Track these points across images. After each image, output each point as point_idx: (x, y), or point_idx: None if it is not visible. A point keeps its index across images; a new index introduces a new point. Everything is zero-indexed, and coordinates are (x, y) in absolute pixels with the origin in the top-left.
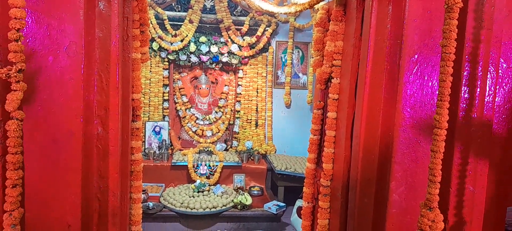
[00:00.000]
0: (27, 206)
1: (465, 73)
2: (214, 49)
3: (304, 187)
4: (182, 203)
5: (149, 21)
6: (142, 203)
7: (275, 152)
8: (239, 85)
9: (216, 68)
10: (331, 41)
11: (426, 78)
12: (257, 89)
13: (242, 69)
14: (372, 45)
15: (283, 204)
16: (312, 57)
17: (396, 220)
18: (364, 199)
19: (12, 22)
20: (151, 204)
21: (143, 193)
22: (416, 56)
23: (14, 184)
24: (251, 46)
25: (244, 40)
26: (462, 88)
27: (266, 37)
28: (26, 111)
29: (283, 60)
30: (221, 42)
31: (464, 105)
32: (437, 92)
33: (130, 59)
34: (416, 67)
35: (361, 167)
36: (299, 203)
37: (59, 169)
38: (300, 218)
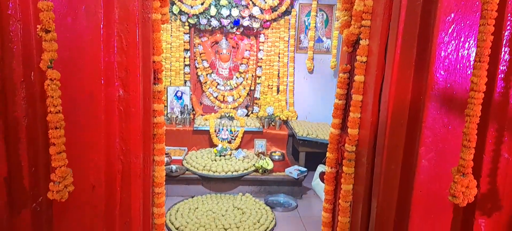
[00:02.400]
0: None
1: (506, 34)
2: (235, 12)
3: (327, 152)
4: (204, 166)
5: None
6: (165, 166)
7: (296, 118)
8: (260, 50)
9: (237, 33)
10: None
11: (462, 39)
12: (279, 54)
13: (263, 33)
14: (404, 3)
15: (305, 169)
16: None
17: (424, 187)
18: (391, 165)
19: None
20: (174, 167)
21: (166, 156)
22: (452, 15)
23: (53, 142)
24: (273, 9)
25: (266, 2)
26: (503, 50)
27: None
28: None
29: (306, 23)
30: (242, 5)
31: (504, 67)
32: (474, 54)
33: (150, 20)
34: (452, 27)
35: (389, 132)
36: (320, 168)
37: (81, 130)
38: (323, 182)
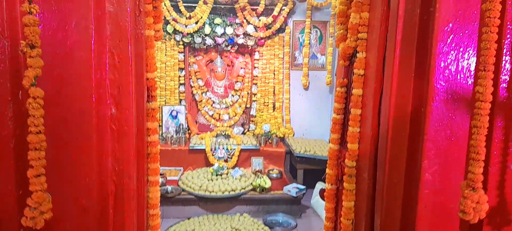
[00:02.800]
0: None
1: (506, 42)
2: (229, 30)
3: (327, 169)
4: (200, 186)
5: (163, 3)
6: (160, 186)
7: (293, 135)
8: (255, 67)
9: (232, 51)
10: (356, 12)
11: (462, 49)
12: (274, 71)
13: (258, 51)
14: (401, 14)
15: (303, 187)
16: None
17: (429, 201)
18: (393, 180)
19: None
20: (169, 187)
21: (161, 177)
22: (450, 25)
23: (31, 165)
24: (267, 26)
25: (260, 20)
26: (503, 58)
27: (283, 17)
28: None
29: (301, 40)
30: (237, 24)
31: (506, 77)
32: (474, 63)
33: (143, 36)
34: (450, 37)
35: (390, 145)
36: (319, 185)
37: (71, 150)
38: (323, 200)
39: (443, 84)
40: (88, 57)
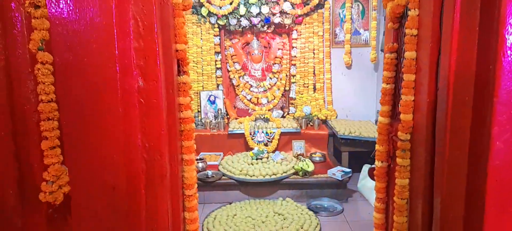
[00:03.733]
0: (67, 165)
1: None
2: (265, 10)
3: (376, 145)
4: (241, 171)
5: None
6: (201, 171)
7: (336, 117)
8: (293, 47)
9: (268, 31)
10: None
11: None
12: (314, 50)
13: (296, 30)
14: None
15: (349, 170)
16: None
17: (501, 175)
18: (455, 151)
19: None
20: (210, 172)
21: (201, 162)
22: None
23: (45, 136)
24: (305, 3)
25: None
26: None
27: None
28: (56, 58)
29: (341, 16)
30: (273, 2)
31: None
32: None
33: (169, 3)
34: None
35: (451, 113)
36: (366, 168)
37: (96, 123)
38: (373, 179)
39: None
40: (109, 23)
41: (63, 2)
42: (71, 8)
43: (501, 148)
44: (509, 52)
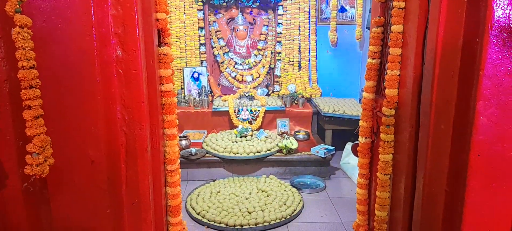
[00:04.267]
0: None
1: None
2: None
3: (360, 121)
4: (225, 148)
5: None
6: (184, 149)
7: (320, 95)
8: (279, 24)
9: (253, 6)
10: None
11: None
12: (299, 27)
13: (282, 5)
14: None
15: (332, 148)
16: None
17: (484, 149)
18: (440, 126)
19: None
20: (193, 150)
21: (185, 139)
22: None
23: (28, 105)
24: None
25: None
26: None
27: None
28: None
29: None
30: None
31: None
32: None
33: None
34: None
35: (437, 86)
36: (349, 146)
37: (74, 94)
38: (356, 156)
39: (505, 8)
40: None
41: None
42: None
43: (485, 123)
44: (496, 24)
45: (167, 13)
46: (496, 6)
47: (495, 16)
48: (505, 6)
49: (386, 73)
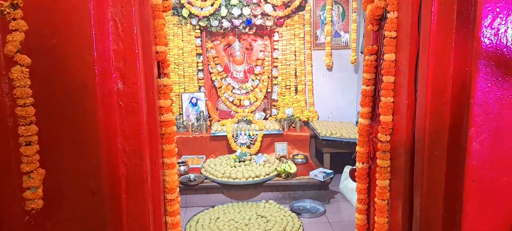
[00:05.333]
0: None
1: None
2: (246, 11)
3: (357, 146)
4: (223, 173)
5: None
6: (183, 175)
7: (317, 119)
8: (275, 49)
9: (250, 33)
10: None
11: None
12: (295, 52)
13: (277, 32)
14: None
15: (330, 171)
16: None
17: (478, 175)
18: (434, 152)
19: None
20: (192, 175)
21: (183, 165)
22: None
23: (28, 141)
24: (286, 5)
25: None
26: None
27: None
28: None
29: (322, 18)
30: (254, 3)
31: None
32: None
33: (148, 3)
34: None
35: (430, 113)
36: (348, 169)
37: (76, 127)
38: (354, 181)
39: (492, 38)
40: (87, 25)
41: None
42: (48, 10)
43: (478, 149)
44: (484, 54)
45: (166, 45)
46: (483, 36)
47: (483, 46)
48: (492, 37)
49: (381, 100)
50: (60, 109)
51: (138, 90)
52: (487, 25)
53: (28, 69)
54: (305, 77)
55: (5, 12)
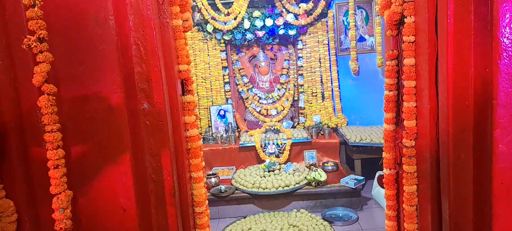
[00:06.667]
0: (76, 190)
1: None
2: (269, 22)
3: (383, 153)
4: (253, 184)
5: (200, 3)
6: (214, 186)
7: (346, 124)
8: (299, 57)
9: (274, 43)
10: None
11: None
12: (320, 59)
13: (301, 40)
14: None
15: (362, 178)
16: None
17: (507, 177)
18: (460, 155)
19: None
20: (223, 187)
21: (214, 177)
22: None
23: (56, 165)
24: (308, 13)
25: (299, 7)
26: None
27: (324, 0)
28: (61, 88)
29: (346, 23)
30: (276, 14)
31: None
32: None
33: (169, 26)
34: None
35: (453, 116)
36: (379, 175)
37: (105, 148)
38: (382, 187)
39: (511, 38)
40: (111, 50)
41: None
42: (75, 40)
43: (504, 151)
44: (504, 54)
45: (189, 64)
46: (502, 36)
47: (502, 46)
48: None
49: (403, 105)
50: (91, 133)
51: (162, 109)
52: (505, 25)
53: (54, 97)
54: (331, 83)
55: (32, 46)
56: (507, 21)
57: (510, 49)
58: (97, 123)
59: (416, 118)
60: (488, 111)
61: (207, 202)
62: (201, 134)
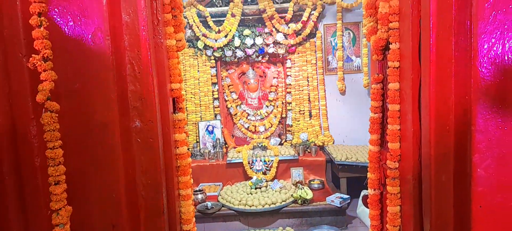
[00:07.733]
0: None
1: None
2: (259, 41)
3: (368, 173)
4: (240, 201)
5: (192, 20)
6: (200, 203)
7: (333, 143)
8: (288, 75)
9: (263, 61)
10: (385, 1)
11: (506, 26)
12: (308, 78)
13: (289, 59)
14: None
15: (347, 196)
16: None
17: (485, 201)
18: (441, 178)
19: (33, 6)
20: (209, 203)
21: (201, 193)
22: (491, 0)
23: (57, 181)
24: (297, 33)
25: (289, 28)
26: None
27: (313, 21)
28: (61, 104)
29: (333, 44)
30: (266, 33)
31: None
32: None
33: (163, 46)
34: (492, 14)
35: (434, 140)
36: (364, 193)
37: (97, 164)
38: (367, 207)
39: (489, 68)
40: (107, 69)
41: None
42: (71, 58)
43: (483, 175)
44: (482, 83)
45: (181, 82)
46: (480, 66)
47: (481, 75)
48: (489, 66)
49: (387, 127)
50: (84, 149)
51: (154, 127)
52: (483, 55)
53: (57, 115)
54: (318, 102)
55: (37, 64)
56: (485, 52)
57: (488, 78)
58: (91, 139)
59: (400, 141)
60: (468, 137)
61: (194, 219)
62: (189, 149)
